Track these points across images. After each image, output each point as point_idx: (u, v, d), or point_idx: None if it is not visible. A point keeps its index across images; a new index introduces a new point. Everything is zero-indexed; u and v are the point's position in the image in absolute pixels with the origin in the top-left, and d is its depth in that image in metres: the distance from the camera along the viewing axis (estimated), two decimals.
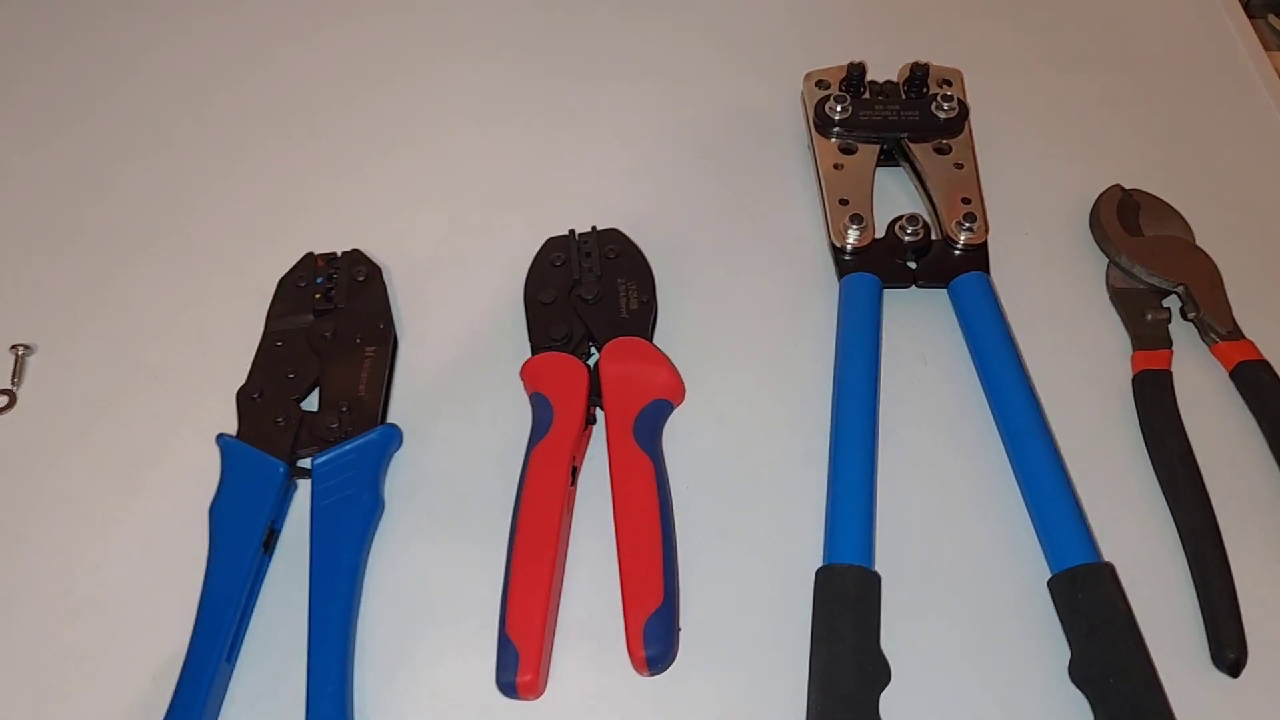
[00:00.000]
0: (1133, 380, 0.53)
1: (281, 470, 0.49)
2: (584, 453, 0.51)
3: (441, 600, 0.48)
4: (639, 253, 0.57)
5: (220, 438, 0.50)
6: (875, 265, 0.56)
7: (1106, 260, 0.58)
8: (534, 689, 0.43)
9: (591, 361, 0.53)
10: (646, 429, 0.49)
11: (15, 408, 0.55)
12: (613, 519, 0.47)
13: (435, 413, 0.53)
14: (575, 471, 0.49)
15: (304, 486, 0.51)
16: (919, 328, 0.55)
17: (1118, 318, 0.56)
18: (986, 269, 0.56)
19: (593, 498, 0.49)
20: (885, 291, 0.55)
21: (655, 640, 0.43)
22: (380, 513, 0.49)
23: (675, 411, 0.52)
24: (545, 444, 0.49)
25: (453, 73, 0.69)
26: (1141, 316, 0.55)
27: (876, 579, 0.46)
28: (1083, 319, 0.56)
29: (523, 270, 0.56)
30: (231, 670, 0.46)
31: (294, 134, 0.66)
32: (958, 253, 0.56)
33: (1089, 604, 0.45)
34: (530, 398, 0.52)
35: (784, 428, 0.52)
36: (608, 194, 0.61)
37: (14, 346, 0.56)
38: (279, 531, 0.49)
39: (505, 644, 0.43)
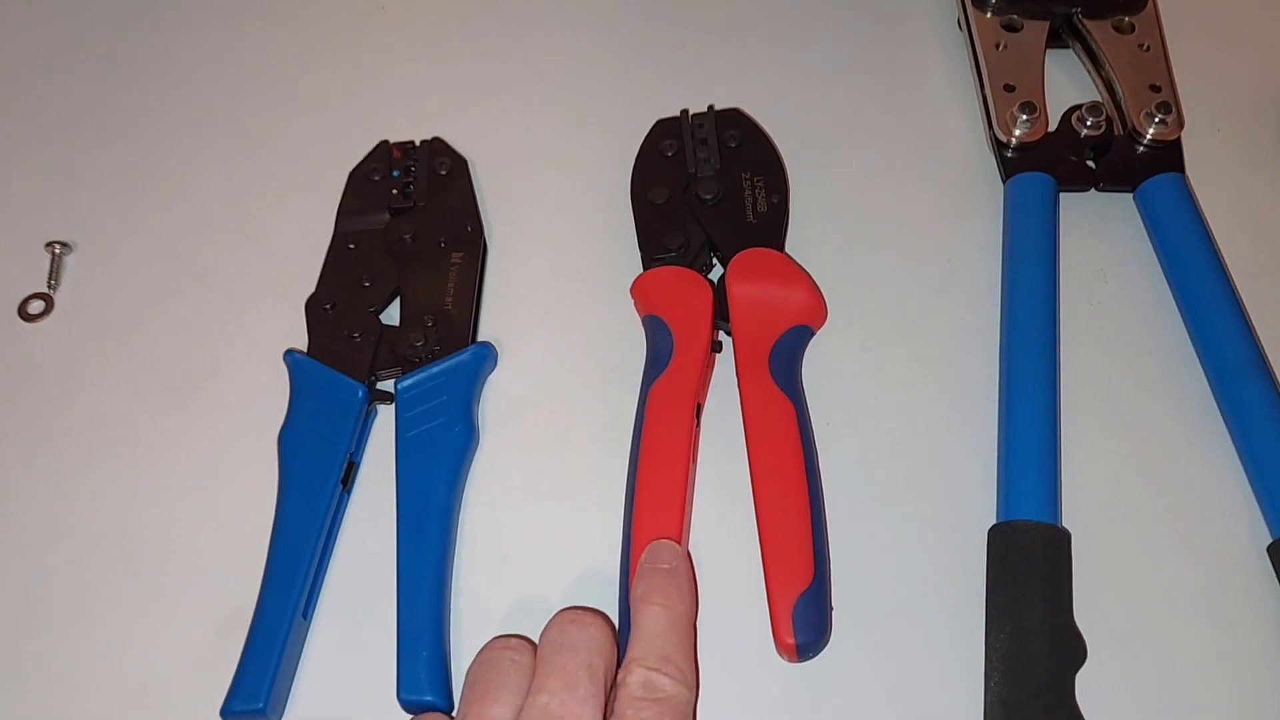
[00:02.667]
0: None
1: (361, 393, 0.42)
2: (708, 386, 0.43)
3: (547, 550, 0.41)
4: (766, 140, 0.48)
5: (289, 354, 0.44)
6: (1048, 163, 0.47)
7: None
8: None
9: (714, 275, 0.45)
10: (784, 361, 0.42)
11: (52, 313, 0.48)
12: (748, 472, 0.40)
13: (532, 331, 0.46)
14: (699, 409, 0.42)
15: (385, 412, 0.44)
16: (1101, 238, 0.47)
17: None
18: (1181, 169, 0.47)
19: (719, 440, 0.42)
20: (1060, 195, 0.47)
21: (806, 625, 0.36)
22: (475, 444, 0.43)
23: (814, 339, 0.44)
24: (665, 379, 0.41)
25: None
26: None
27: (1066, 537, 0.38)
28: None
29: (628, 161, 0.48)
30: (308, 626, 0.40)
31: (360, 4, 0.57)
32: (1143, 150, 0.48)
33: None
34: (644, 320, 0.44)
35: (941, 357, 0.44)
36: (723, 69, 0.53)
37: (50, 244, 0.49)
38: (358, 464, 0.43)
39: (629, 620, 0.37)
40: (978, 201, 0.48)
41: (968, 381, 0.43)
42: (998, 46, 0.50)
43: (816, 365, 0.44)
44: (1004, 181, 0.48)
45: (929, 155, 0.50)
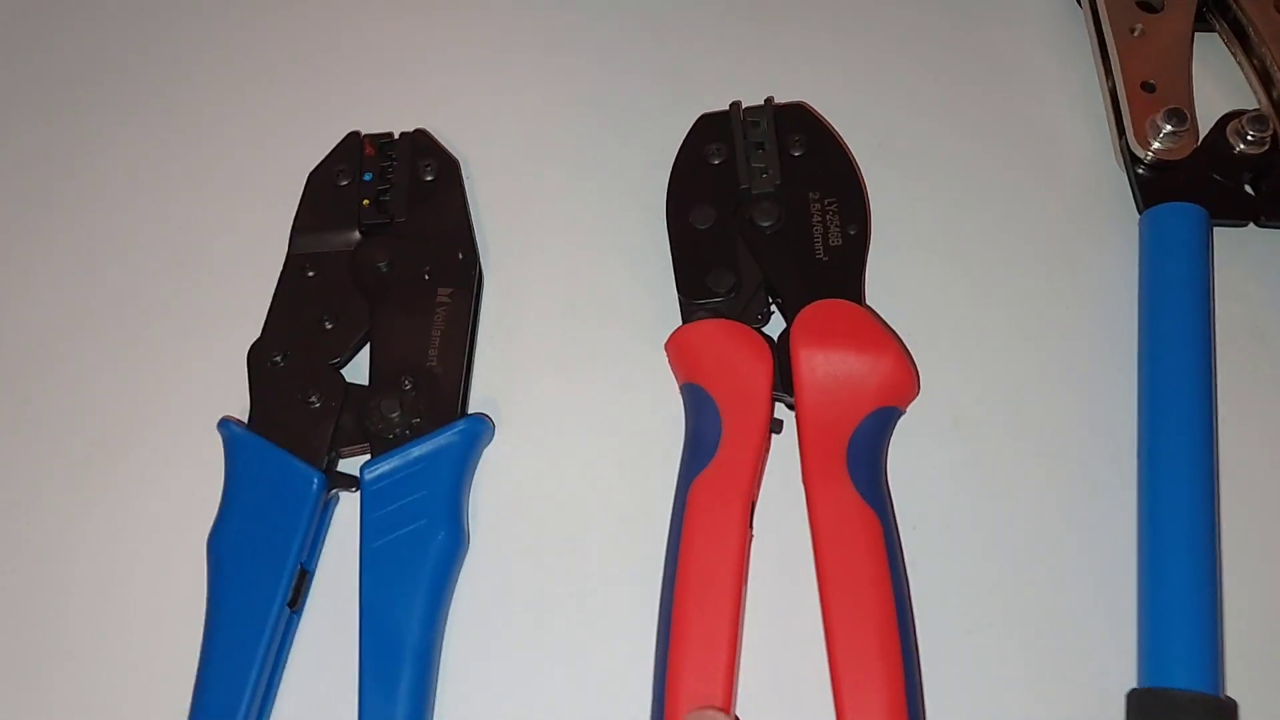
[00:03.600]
0: None
1: (316, 482, 0.34)
2: (762, 473, 0.34)
3: (554, 700, 0.32)
4: (839, 147, 0.38)
5: (224, 425, 0.34)
6: (1198, 189, 0.38)
7: None
8: None
9: (771, 327, 0.36)
10: (865, 456, 0.33)
11: None
12: (818, 601, 0.31)
13: (538, 396, 0.37)
14: (753, 509, 0.33)
15: (348, 500, 0.35)
16: (1264, 286, 0.37)
17: None
18: None
19: (774, 546, 0.34)
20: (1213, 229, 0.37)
21: None
22: (463, 553, 0.34)
23: (898, 420, 0.35)
24: (711, 475, 0.33)
25: None
26: None
27: (1231, 710, 0.30)
28: None
29: (664, 168, 0.38)
30: None
31: None
32: None
33: None
34: (683, 389, 0.35)
35: (1057, 442, 0.35)
36: (785, 52, 0.43)
37: None
38: (312, 573, 0.34)
39: None
40: (1104, 235, 0.39)
41: (1095, 478, 0.35)
42: (1132, 31, 0.40)
43: (895, 446, 0.35)
44: (1139, 210, 0.38)
45: (1040, 174, 0.40)
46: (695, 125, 0.39)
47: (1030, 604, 0.33)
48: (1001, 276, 0.38)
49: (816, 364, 0.34)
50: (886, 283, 0.37)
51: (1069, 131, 0.41)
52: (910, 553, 0.33)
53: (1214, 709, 0.30)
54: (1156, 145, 0.38)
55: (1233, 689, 0.30)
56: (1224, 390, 0.35)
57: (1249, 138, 0.38)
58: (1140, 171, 0.39)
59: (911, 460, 0.35)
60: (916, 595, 0.33)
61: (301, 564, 0.33)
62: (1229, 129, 0.39)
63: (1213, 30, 0.42)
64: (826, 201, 0.37)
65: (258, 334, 0.36)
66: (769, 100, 0.39)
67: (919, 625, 0.32)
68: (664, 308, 0.37)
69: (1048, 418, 0.36)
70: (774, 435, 0.34)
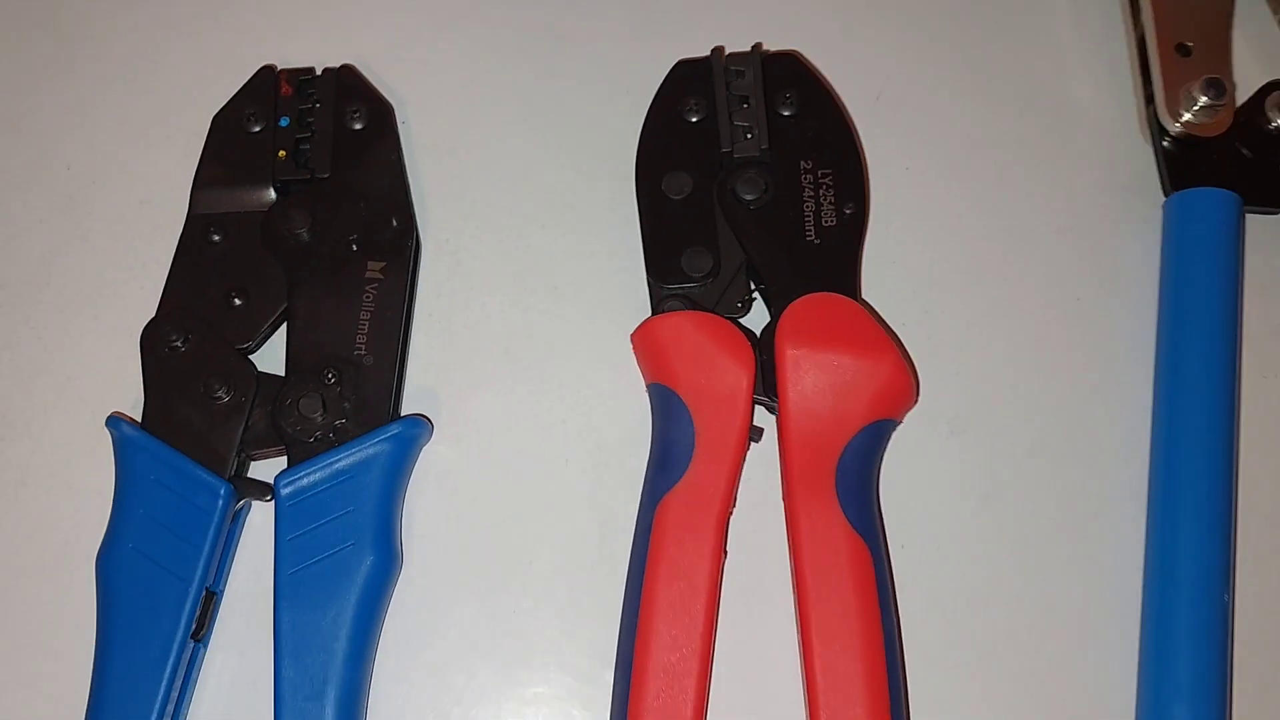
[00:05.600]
0: None
1: (223, 493, 0.29)
2: (737, 488, 0.30)
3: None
4: (835, 107, 0.34)
5: (113, 422, 0.30)
6: (1231, 171, 0.34)
7: None
8: None
9: (750, 315, 0.32)
10: (856, 475, 0.30)
11: None
12: (798, 631, 0.28)
13: (484, 389, 0.34)
14: (726, 526, 0.29)
15: (260, 509, 0.31)
16: None
17: None
18: None
19: (749, 571, 0.31)
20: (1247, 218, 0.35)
21: None
22: (396, 574, 0.30)
23: (894, 432, 0.31)
24: (682, 492, 0.30)
25: None
26: None
27: None
28: None
29: (634, 124, 0.34)
30: None
31: None
32: None
33: None
34: (650, 389, 0.31)
35: (1064, 452, 0.33)
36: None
37: None
38: (220, 596, 0.30)
39: None
40: (1123, 218, 0.36)
41: (1103, 492, 0.32)
42: None
43: (898, 466, 0.32)
44: (1165, 194, 0.35)
45: (1055, 146, 0.37)
46: (671, 73, 0.35)
47: (1027, 633, 0.31)
48: (1008, 266, 0.35)
49: (805, 369, 0.30)
50: (880, 270, 0.33)
51: (1088, 97, 0.37)
52: (901, 572, 0.31)
53: None
54: (1188, 117, 0.35)
55: None
56: (1250, 396, 0.32)
57: None
58: (1168, 146, 0.35)
59: (905, 468, 0.32)
60: (905, 619, 0.30)
61: (207, 587, 0.29)
62: (1269, 102, 0.35)
63: None
64: (820, 173, 0.33)
65: (152, 311, 0.31)
66: (757, 47, 0.35)
67: (908, 651, 0.30)
68: (631, 293, 0.33)
69: (1055, 426, 0.33)
70: (753, 444, 0.31)
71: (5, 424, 0.32)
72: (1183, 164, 0.35)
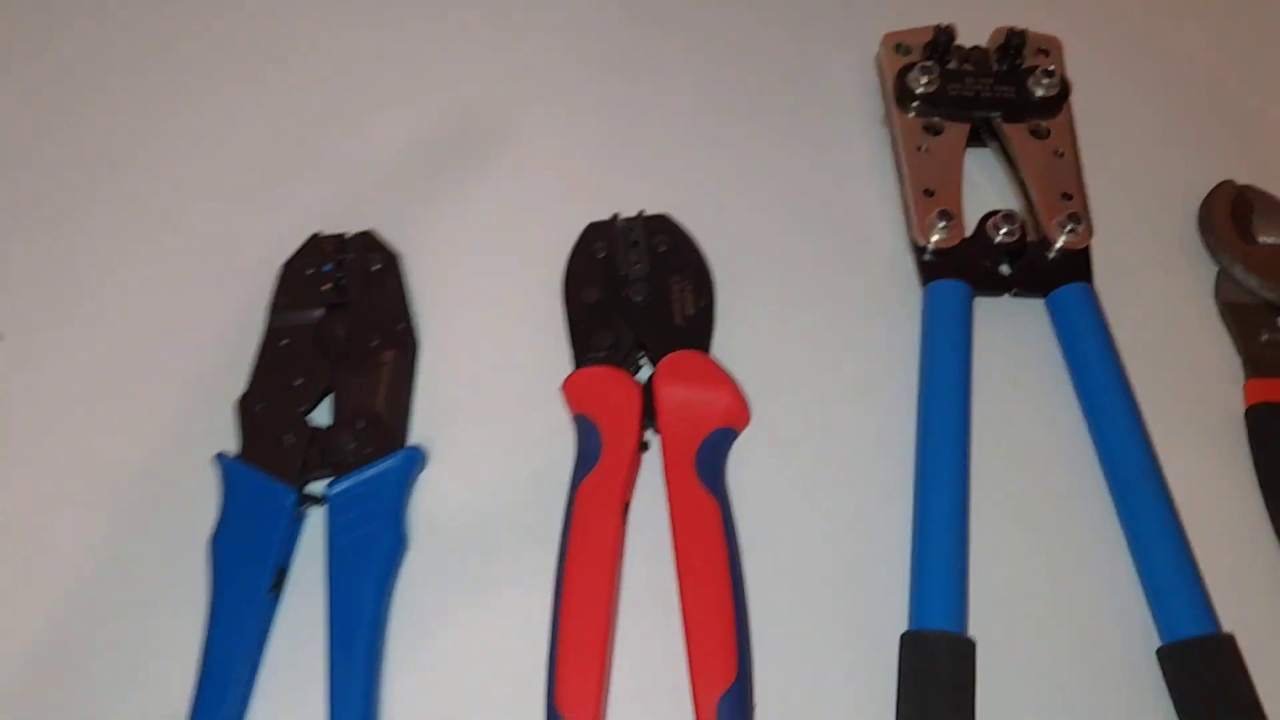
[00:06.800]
0: (1245, 414, 0.47)
1: (292, 499, 0.43)
2: (634, 484, 0.44)
3: (475, 655, 0.42)
4: (694, 246, 0.49)
5: (219, 458, 0.44)
6: (964, 269, 0.49)
7: (1218, 269, 0.51)
8: None
9: (643, 374, 0.47)
10: (709, 462, 0.43)
11: None
12: (673, 567, 0.41)
13: (462, 430, 0.46)
14: (627, 508, 0.43)
15: (315, 513, 0.45)
16: (1013, 342, 0.49)
17: (1229, 336, 0.50)
18: (1089, 278, 0.49)
19: (646, 537, 0.44)
20: (976, 299, 0.49)
21: None
22: (405, 551, 0.43)
23: (737, 440, 0.46)
24: (594, 478, 0.43)
25: (475, 27, 0.59)
26: (1256, 336, 0.49)
27: (970, 647, 0.40)
28: (1190, 337, 0.50)
29: (560, 260, 0.49)
30: None
31: (291, 91, 0.56)
32: (1054, 257, 0.50)
33: (1206, 680, 0.40)
34: (574, 419, 0.45)
35: (862, 461, 0.46)
36: (652, 172, 0.53)
37: None
38: (288, 569, 0.43)
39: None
40: (898, 304, 0.49)
41: (885, 487, 0.45)
42: (919, 149, 0.52)
43: (742, 465, 0.45)
44: (922, 286, 0.49)
45: (852, 257, 0.51)
46: (584, 231, 0.49)
47: (837, 575, 0.43)
48: (821, 335, 0.48)
49: (672, 395, 0.44)
50: (734, 342, 0.47)
51: (877, 225, 0.51)
52: (750, 540, 0.42)
53: (956, 644, 0.40)
54: (934, 237, 0.49)
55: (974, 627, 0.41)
56: (981, 418, 0.46)
57: (1003, 230, 0.49)
58: (923, 257, 0.49)
59: (754, 473, 0.45)
60: (751, 571, 0.42)
61: (280, 562, 0.42)
62: (989, 224, 0.49)
63: (987, 147, 0.55)
64: (684, 282, 0.48)
65: (245, 388, 0.45)
66: (641, 212, 0.49)
67: (754, 593, 0.41)
68: (558, 362, 0.46)
69: (853, 441, 0.46)
70: (643, 454, 0.45)
71: (141, 471, 0.45)
72: (931, 267, 0.49)
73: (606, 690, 0.40)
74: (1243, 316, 0.50)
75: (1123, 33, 0.59)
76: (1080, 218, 0.49)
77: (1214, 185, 0.53)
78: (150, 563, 0.44)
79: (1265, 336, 0.49)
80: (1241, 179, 0.53)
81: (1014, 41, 0.54)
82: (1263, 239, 0.51)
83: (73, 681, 0.42)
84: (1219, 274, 0.51)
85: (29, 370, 0.48)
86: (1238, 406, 0.48)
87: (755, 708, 0.39)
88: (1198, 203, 0.53)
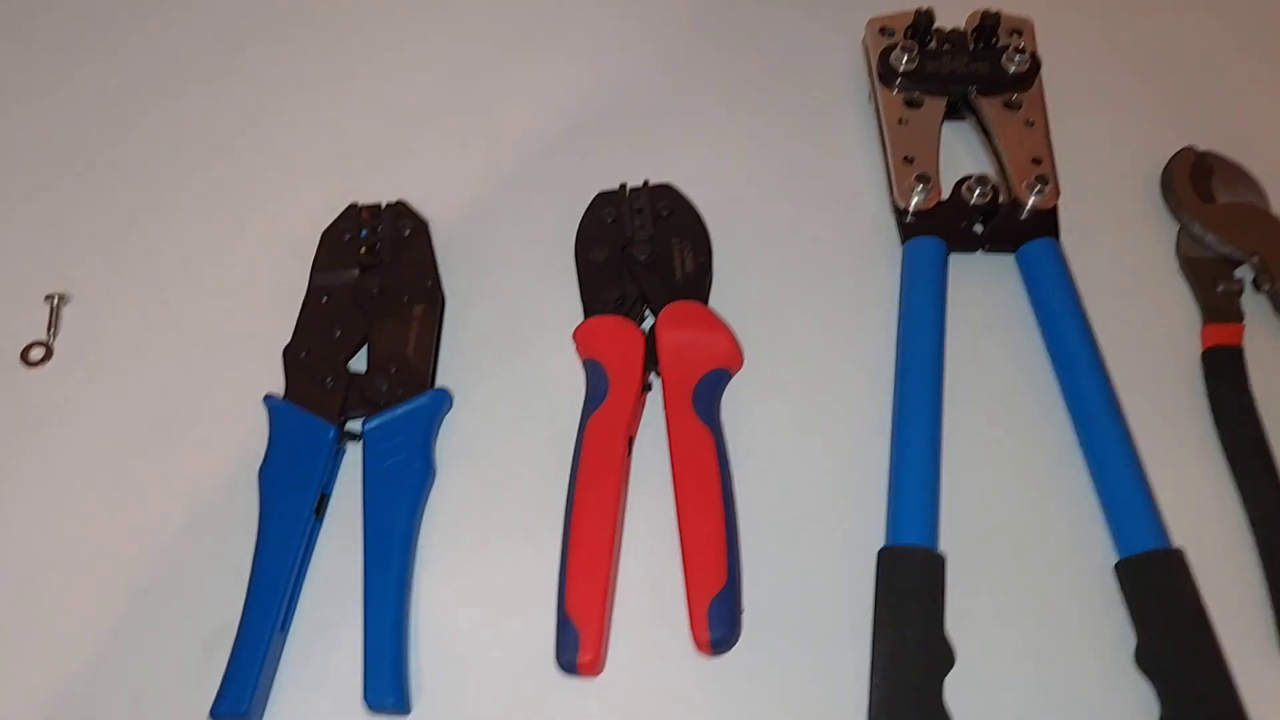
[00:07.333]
0: (1202, 356, 0.51)
1: (332, 434, 0.48)
2: (639, 421, 0.49)
3: (495, 569, 0.47)
4: (693, 210, 0.54)
5: (268, 399, 0.49)
6: (940, 228, 0.53)
7: (1178, 227, 0.55)
8: (595, 668, 0.43)
9: (647, 325, 0.51)
10: (705, 399, 0.48)
11: (51, 360, 0.53)
12: (672, 492, 0.46)
13: (485, 375, 0.52)
14: (631, 441, 0.48)
15: (353, 449, 0.50)
16: (985, 295, 0.53)
17: (1188, 288, 0.54)
18: (1056, 234, 0.53)
19: (649, 468, 0.48)
20: (951, 256, 0.53)
21: (719, 623, 0.42)
22: (433, 479, 0.48)
23: (732, 381, 0.50)
24: (601, 414, 0.47)
25: (494, 14, 0.65)
26: (1212, 287, 0.53)
27: (941, 561, 0.45)
28: (1152, 288, 0.54)
29: (573, 225, 0.54)
30: (285, 639, 0.45)
31: (332, 74, 0.63)
32: (1025, 216, 0.54)
33: (1158, 591, 0.44)
34: (584, 363, 0.50)
35: (846, 399, 0.50)
36: (657, 145, 0.58)
37: (49, 296, 0.54)
38: (329, 496, 0.48)
39: (565, 623, 0.43)
40: (881, 260, 0.54)
41: (867, 422, 0.49)
42: (900, 122, 0.56)
43: (737, 405, 0.50)
44: (902, 244, 0.54)
45: (840, 220, 0.56)
46: (594, 200, 0.54)
47: (821, 500, 0.47)
48: (810, 289, 0.53)
49: (672, 340, 0.49)
50: (730, 296, 0.52)
51: (862, 191, 0.56)
52: (743, 472, 0.47)
53: (928, 557, 0.44)
54: (913, 199, 0.53)
55: (945, 544, 0.46)
56: (954, 361, 0.50)
57: (976, 192, 0.53)
58: (903, 219, 0.54)
59: (748, 413, 0.49)
60: (743, 498, 0.46)
61: (322, 488, 0.47)
62: (964, 187, 0.53)
63: (965, 121, 0.60)
64: (683, 243, 0.53)
65: (290, 339, 0.51)
66: (646, 182, 0.54)
67: (745, 517, 0.45)
68: (570, 313, 0.51)
69: (838, 383, 0.50)
70: (647, 394, 0.49)
71: (199, 412, 0.51)
72: (910, 227, 0.53)
73: (611, 598, 0.45)
74: (1200, 269, 0.54)
75: (1093, 10, 0.64)
76: (1048, 179, 0.54)
77: (1176, 151, 0.57)
78: (210, 489, 0.49)
79: (1221, 287, 0.53)
80: (1202, 145, 0.57)
81: (988, 23, 0.58)
82: (1220, 199, 0.55)
83: (144, 591, 0.47)
84: (1179, 231, 0.55)
85: (100, 325, 0.54)
86: (1195, 350, 0.52)
87: (744, 611, 0.44)
88: (1160, 168, 0.57)
